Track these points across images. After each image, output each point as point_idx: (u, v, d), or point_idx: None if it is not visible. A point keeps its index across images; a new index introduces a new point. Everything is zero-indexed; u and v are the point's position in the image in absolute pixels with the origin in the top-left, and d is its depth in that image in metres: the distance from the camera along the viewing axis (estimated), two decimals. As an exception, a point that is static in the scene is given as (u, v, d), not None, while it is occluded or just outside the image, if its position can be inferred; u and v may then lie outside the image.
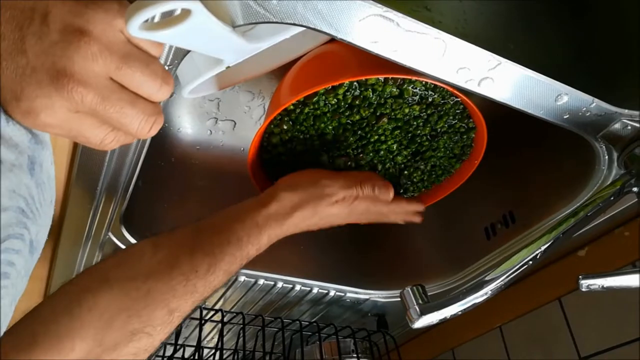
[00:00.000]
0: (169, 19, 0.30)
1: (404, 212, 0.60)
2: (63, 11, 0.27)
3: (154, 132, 0.32)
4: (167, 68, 0.36)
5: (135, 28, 0.28)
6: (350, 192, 0.53)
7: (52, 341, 0.35)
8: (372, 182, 0.55)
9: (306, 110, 0.51)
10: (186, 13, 0.30)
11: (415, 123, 0.54)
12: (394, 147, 0.56)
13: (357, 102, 0.50)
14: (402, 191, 0.62)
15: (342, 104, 0.50)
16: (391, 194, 0.55)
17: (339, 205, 0.53)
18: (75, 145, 0.50)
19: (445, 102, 0.52)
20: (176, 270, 0.42)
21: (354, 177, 0.54)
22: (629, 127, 0.46)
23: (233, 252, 0.45)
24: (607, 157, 0.50)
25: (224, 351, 0.82)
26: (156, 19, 0.31)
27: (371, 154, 0.56)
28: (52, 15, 0.27)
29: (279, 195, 0.51)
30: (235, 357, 0.84)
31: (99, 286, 0.39)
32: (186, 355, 0.82)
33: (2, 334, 0.28)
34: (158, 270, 0.42)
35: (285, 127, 0.53)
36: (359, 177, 0.55)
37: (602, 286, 0.47)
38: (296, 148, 0.55)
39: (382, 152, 0.56)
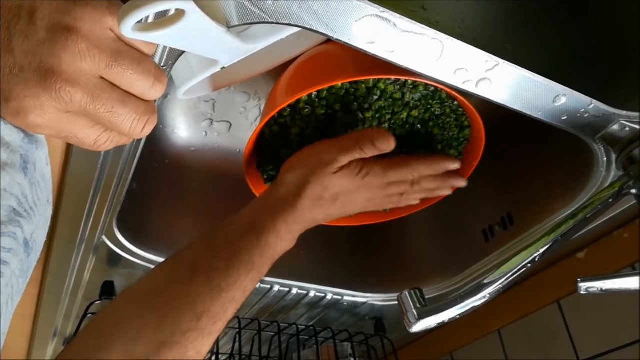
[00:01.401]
0: (162, 20, 0.30)
1: (438, 178, 0.53)
2: (50, 9, 0.27)
3: (147, 131, 0.31)
4: (161, 69, 0.36)
5: (129, 29, 0.28)
6: (352, 154, 0.49)
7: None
8: (369, 135, 0.49)
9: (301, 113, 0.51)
10: (180, 13, 0.29)
11: (412, 122, 0.53)
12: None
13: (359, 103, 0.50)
14: None
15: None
16: (391, 142, 0.49)
17: (346, 175, 0.49)
18: (69, 147, 0.49)
19: (445, 104, 0.52)
20: (197, 271, 0.42)
21: (350, 137, 0.50)
22: (628, 129, 0.46)
23: (250, 243, 0.44)
24: (605, 158, 0.49)
25: (220, 355, 0.81)
26: (149, 20, 0.30)
27: None
28: (39, 13, 0.27)
29: (282, 178, 0.50)
30: (232, 361, 0.83)
31: (124, 302, 0.41)
32: (182, 360, 0.82)
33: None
34: (179, 274, 0.42)
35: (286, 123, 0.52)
36: (355, 135, 0.50)
37: (601, 289, 0.47)
38: (295, 144, 0.54)
39: None
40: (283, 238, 0.46)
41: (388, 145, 0.50)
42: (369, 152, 0.49)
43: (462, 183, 0.56)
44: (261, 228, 0.45)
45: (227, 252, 0.43)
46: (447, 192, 0.56)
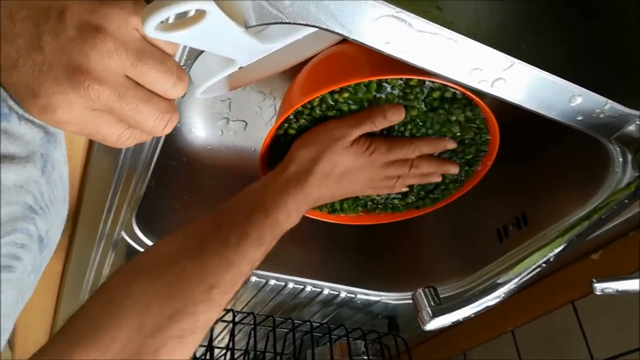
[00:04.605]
0: (183, 20, 0.30)
1: (435, 161, 0.56)
2: (79, 8, 0.28)
3: (169, 129, 0.32)
4: (182, 68, 0.36)
5: (151, 29, 0.29)
6: (362, 128, 0.50)
7: (94, 334, 0.36)
8: (380, 108, 0.51)
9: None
10: (201, 14, 0.30)
11: (429, 119, 0.54)
12: None
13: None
14: (414, 198, 0.62)
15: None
16: (402, 111, 0.51)
17: (355, 150, 0.51)
18: (90, 145, 0.50)
19: (459, 100, 0.52)
20: (208, 246, 0.42)
21: (362, 112, 0.52)
22: (644, 129, 0.45)
23: (260, 220, 0.45)
24: (621, 159, 0.49)
25: (235, 351, 0.82)
26: (170, 20, 0.31)
27: None
28: (68, 12, 0.28)
29: (294, 155, 0.51)
30: (246, 357, 0.84)
31: (133, 276, 0.40)
32: (197, 355, 0.83)
33: (2, 326, 0.29)
34: (190, 249, 0.42)
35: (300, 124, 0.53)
36: (366, 110, 0.52)
37: (616, 290, 0.47)
38: None
39: None
40: (291, 216, 0.47)
41: (399, 115, 0.51)
42: (380, 124, 0.51)
43: (454, 169, 0.58)
44: (272, 206, 0.46)
45: (238, 228, 0.44)
46: (438, 178, 0.58)
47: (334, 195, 0.52)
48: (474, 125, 0.54)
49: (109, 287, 0.40)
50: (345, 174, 0.51)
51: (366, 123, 0.51)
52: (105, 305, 0.38)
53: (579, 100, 0.42)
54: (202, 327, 0.40)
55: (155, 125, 0.31)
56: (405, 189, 0.59)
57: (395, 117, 0.51)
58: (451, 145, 0.56)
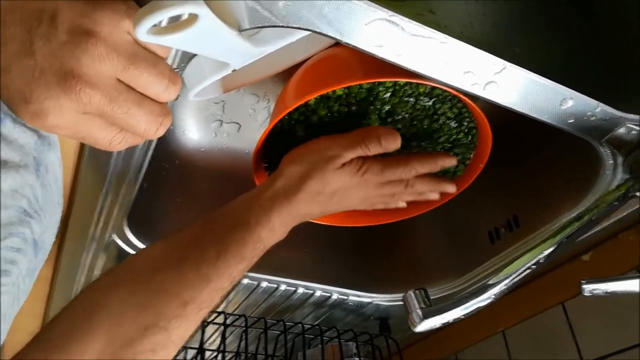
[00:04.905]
0: (176, 24, 0.30)
1: (432, 180, 0.55)
2: (71, 12, 0.28)
3: (161, 132, 0.32)
4: (175, 71, 0.36)
5: (144, 33, 0.29)
6: (356, 152, 0.49)
7: (68, 342, 0.36)
8: (376, 133, 0.50)
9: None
10: (193, 18, 0.30)
11: (417, 118, 0.54)
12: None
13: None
14: None
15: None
16: (398, 141, 0.51)
17: (348, 171, 0.49)
18: (82, 148, 0.50)
19: (447, 103, 0.52)
20: (186, 260, 0.41)
21: (356, 134, 0.50)
22: (634, 132, 0.46)
23: (242, 236, 0.43)
24: (612, 161, 0.50)
25: (226, 354, 0.82)
26: (163, 24, 0.31)
27: None
28: (60, 16, 0.27)
29: (283, 170, 0.49)
30: (237, 359, 0.84)
31: (111, 285, 0.40)
32: (188, 357, 0.82)
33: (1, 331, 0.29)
34: (168, 261, 0.41)
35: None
36: (361, 132, 0.50)
37: (605, 291, 0.47)
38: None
39: None
40: (276, 232, 0.46)
41: (395, 143, 0.50)
42: (374, 150, 0.50)
43: (451, 188, 0.57)
44: (255, 222, 0.45)
45: (218, 243, 0.43)
46: (435, 196, 0.57)
47: (324, 212, 0.51)
48: (463, 124, 0.55)
49: (89, 294, 0.40)
50: (337, 192, 0.50)
51: (360, 147, 0.49)
52: (84, 313, 0.38)
53: (570, 103, 0.42)
54: (175, 342, 0.39)
55: (147, 128, 0.31)
56: (402, 205, 0.58)
57: (391, 145, 0.50)
58: (450, 162, 0.55)
